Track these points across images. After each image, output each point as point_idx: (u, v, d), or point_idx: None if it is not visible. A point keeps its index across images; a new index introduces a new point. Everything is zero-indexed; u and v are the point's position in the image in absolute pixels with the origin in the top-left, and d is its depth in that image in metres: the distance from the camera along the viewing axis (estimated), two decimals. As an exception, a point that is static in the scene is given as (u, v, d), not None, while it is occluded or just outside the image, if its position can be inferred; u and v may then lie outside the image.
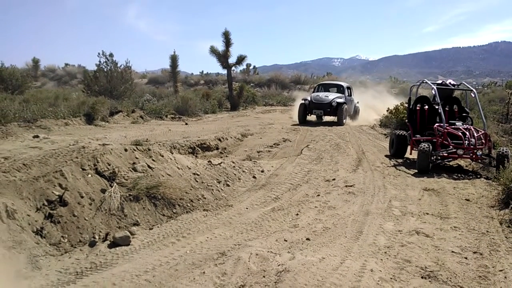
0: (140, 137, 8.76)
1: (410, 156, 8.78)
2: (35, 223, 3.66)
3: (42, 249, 3.49)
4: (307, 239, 4.14)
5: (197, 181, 5.64)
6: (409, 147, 8.82)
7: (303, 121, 14.43)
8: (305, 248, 3.89)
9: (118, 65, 17.27)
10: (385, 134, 12.21)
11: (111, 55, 17.01)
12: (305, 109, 14.55)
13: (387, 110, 13.70)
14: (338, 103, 14.27)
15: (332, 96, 14.73)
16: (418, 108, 8.89)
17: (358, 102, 16.79)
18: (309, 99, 14.74)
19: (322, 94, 15.05)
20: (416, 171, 7.40)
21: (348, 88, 16.00)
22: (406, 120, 9.52)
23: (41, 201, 3.88)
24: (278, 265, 3.42)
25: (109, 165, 4.78)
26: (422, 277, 3.29)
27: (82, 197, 4.17)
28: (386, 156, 9.09)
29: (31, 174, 4.10)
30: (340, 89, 15.71)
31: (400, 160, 8.67)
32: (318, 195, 5.78)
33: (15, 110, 10.02)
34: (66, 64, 39.38)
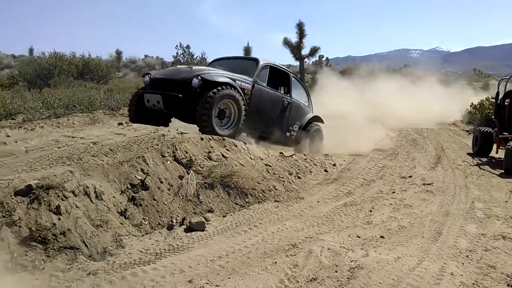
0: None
1: (496, 155, 8.17)
2: (119, 204, 3.92)
3: (125, 229, 3.73)
4: (381, 236, 4.01)
5: (269, 172, 5.69)
6: (495, 145, 8.21)
7: (135, 119, 6.78)
8: (379, 246, 3.77)
9: (194, 56, 17.92)
10: (467, 131, 11.45)
11: (187, 47, 17.73)
12: (141, 98, 6.66)
13: (471, 105, 12.79)
14: (214, 83, 6.11)
15: (213, 72, 6.53)
16: (506, 103, 8.21)
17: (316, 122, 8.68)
18: (152, 75, 6.88)
19: (191, 69, 6.72)
20: (503, 171, 6.86)
21: (298, 81, 8.64)
22: (493, 116, 8.85)
23: (125, 184, 4.14)
24: (351, 261, 3.35)
25: (187, 153, 4.98)
26: (508, 285, 3.05)
27: (161, 182, 4.39)
28: (468, 154, 8.54)
29: (117, 159, 4.38)
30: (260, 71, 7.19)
31: (484, 159, 8.09)
32: (393, 192, 5.57)
33: (100, 98, 10.80)
34: (146, 56, 41.44)
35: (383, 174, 6.53)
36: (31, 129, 7.49)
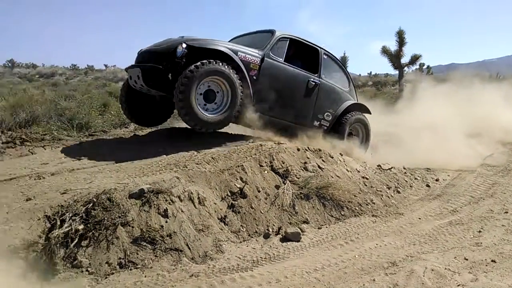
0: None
1: None
2: (220, 211, 4.10)
3: (224, 235, 3.88)
4: (493, 261, 3.65)
5: (366, 185, 5.51)
6: None
7: (128, 112, 6.17)
8: (490, 271, 3.44)
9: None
10: None
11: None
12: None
13: None
14: (204, 51, 5.17)
15: (209, 40, 5.39)
16: None
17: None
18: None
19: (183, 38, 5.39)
20: None
21: (334, 61, 7.04)
22: None
23: (225, 192, 4.32)
24: (458, 285, 3.11)
25: (283, 163, 5.04)
26: None
27: (259, 191, 4.50)
28: None
29: (218, 167, 4.60)
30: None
31: None
32: (506, 212, 5.04)
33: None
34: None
35: (494, 192, 5.94)
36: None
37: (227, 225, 4.03)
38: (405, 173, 6.45)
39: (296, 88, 6.18)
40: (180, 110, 4.91)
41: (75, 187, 3.76)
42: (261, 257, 3.64)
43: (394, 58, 20.03)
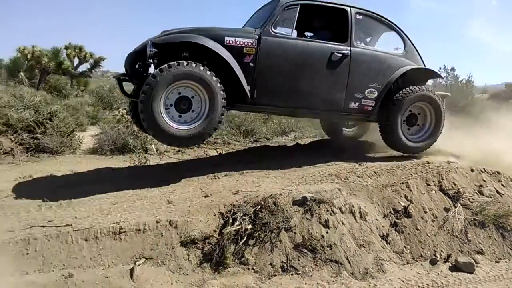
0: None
1: None
2: (382, 228, 3.93)
3: (386, 254, 3.70)
4: None
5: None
6: None
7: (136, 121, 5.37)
8: None
9: (459, 79, 16.48)
10: None
11: (452, 69, 16.41)
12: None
13: None
14: (172, 46, 4.24)
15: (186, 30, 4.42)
16: None
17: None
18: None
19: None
20: None
21: (374, 19, 5.31)
22: None
23: (388, 209, 4.13)
24: None
25: (454, 184, 4.58)
26: None
27: (425, 212, 4.18)
28: None
29: (380, 182, 4.43)
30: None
31: None
32: None
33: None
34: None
35: None
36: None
37: (389, 244, 3.84)
38: None
39: (314, 66, 4.77)
40: (144, 123, 4.11)
41: (245, 189, 4.05)
42: (427, 284, 3.37)
43: None
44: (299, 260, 3.42)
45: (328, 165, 4.86)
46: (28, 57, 12.61)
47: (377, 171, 4.62)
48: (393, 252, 3.78)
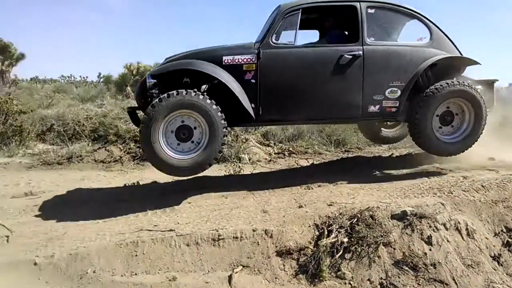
0: None
1: None
2: (492, 248, 3.60)
3: (498, 277, 3.37)
4: None
5: None
6: None
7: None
8: None
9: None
10: None
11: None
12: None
13: None
14: (167, 76, 4.22)
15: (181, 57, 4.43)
16: None
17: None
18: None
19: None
20: None
21: (393, 11, 4.70)
22: None
23: (499, 227, 3.78)
24: None
25: None
26: None
27: (545, 232, 3.74)
28: None
29: (489, 197, 4.07)
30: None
31: None
32: None
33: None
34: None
35: None
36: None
37: (501, 265, 3.50)
38: None
39: (321, 73, 4.43)
40: (144, 153, 4.02)
41: (340, 200, 3.98)
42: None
43: None
44: (399, 277, 3.26)
45: (429, 178, 4.58)
46: (134, 72, 13.79)
47: (485, 185, 4.25)
48: (506, 274, 3.43)
